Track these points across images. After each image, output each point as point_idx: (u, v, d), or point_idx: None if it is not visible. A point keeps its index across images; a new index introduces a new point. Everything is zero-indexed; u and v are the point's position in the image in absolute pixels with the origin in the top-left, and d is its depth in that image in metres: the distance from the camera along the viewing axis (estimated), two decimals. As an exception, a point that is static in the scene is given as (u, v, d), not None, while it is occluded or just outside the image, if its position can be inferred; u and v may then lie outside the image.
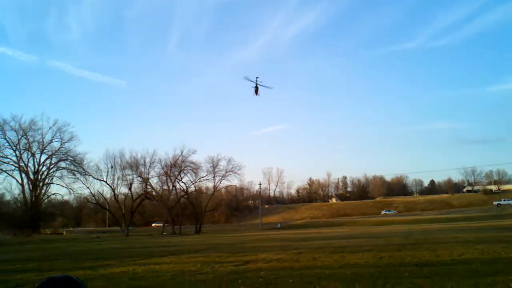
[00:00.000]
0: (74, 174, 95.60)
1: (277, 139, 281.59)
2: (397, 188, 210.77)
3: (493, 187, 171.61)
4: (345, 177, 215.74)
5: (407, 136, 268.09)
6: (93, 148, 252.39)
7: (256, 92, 43.86)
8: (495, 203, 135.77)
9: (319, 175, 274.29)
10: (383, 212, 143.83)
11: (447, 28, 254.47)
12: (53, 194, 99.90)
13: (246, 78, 44.13)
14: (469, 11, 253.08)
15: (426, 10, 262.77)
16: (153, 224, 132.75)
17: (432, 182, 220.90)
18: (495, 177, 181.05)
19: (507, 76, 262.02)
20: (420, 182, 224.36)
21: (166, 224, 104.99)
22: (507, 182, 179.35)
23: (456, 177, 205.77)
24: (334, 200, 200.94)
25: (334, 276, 13.94)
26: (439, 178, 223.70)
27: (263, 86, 44.24)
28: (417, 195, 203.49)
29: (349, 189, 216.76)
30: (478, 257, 18.12)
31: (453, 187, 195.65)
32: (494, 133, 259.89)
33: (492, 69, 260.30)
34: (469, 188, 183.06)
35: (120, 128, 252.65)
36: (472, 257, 18.07)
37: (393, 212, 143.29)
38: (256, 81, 43.58)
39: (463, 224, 69.76)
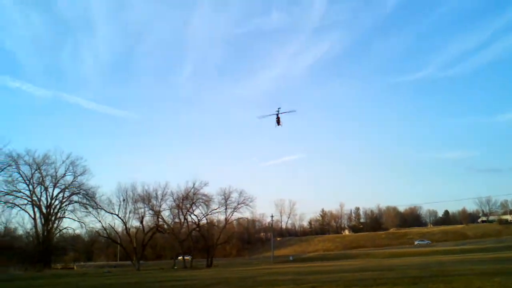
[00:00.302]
0: (86, 208, 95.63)
1: (289, 171, 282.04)
2: (411, 219, 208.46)
3: (509, 217, 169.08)
4: (358, 208, 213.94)
5: (420, 166, 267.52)
6: (105, 181, 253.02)
7: (278, 122, 42.73)
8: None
9: (332, 207, 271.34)
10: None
11: (458, 57, 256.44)
12: (65, 228, 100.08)
13: (260, 117, 43.63)
14: (480, 40, 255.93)
15: (436, 39, 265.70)
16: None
17: (446, 212, 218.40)
18: (511, 207, 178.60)
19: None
20: (434, 213, 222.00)
21: (177, 258, 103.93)
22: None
23: (471, 207, 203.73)
24: (347, 231, 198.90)
25: (348, 312, 13.61)
26: (454, 208, 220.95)
27: (285, 113, 42.86)
28: (431, 225, 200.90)
29: (362, 220, 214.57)
30: (496, 290, 17.68)
31: (468, 217, 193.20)
32: (508, 161, 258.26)
33: (503, 97, 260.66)
34: (484, 218, 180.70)
35: (132, 160, 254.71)
36: (490, 291, 17.63)
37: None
38: (278, 111, 42.34)
39: (479, 256, 68.54)
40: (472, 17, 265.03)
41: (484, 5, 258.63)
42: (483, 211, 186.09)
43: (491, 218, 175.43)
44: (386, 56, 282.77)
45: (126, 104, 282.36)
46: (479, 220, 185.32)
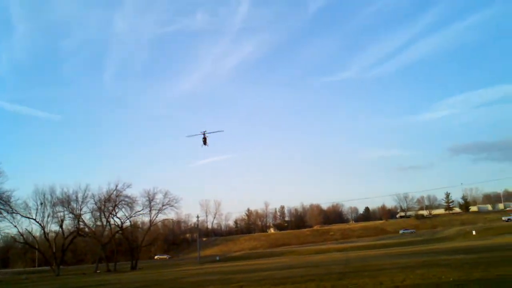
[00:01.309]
0: (0, 213, 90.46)
1: (213, 171, 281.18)
2: (334, 216, 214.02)
3: (425, 212, 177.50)
4: (282, 207, 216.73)
5: (342, 165, 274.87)
6: (21, 184, 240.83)
7: (205, 142, 44.37)
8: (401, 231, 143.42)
9: (257, 206, 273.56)
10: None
11: (380, 59, 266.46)
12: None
13: (189, 136, 45.36)
14: (400, 42, 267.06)
15: (359, 41, 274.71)
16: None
17: (367, 209, 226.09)
18: (426, 203, 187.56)
19: (437, 105, 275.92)
20: (355, 210, 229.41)
21: (100, 262, 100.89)
22: (437, 207, 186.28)
23: (390, 204, 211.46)
24: (272, 230, 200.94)
25: (279, 310, 13.42)
26: (374, 205, 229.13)
27: (212, 133, 44.68)
28: (353, 222, 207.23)
29: (287, 218, 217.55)
30: (420, 282, 18.16)
31: (387, 213, 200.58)
32: (425, 159, 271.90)
33: (422, 98, 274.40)
34: (402, 214, 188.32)
35: (51, 163, 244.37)
36: (415, 283, 18.09)
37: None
38: (204, 133, 44.15)
39: (399, 250, 71.18)
40: (394, 19, 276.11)
41: (407, 6, 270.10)
42: (401, 207, 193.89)
43: (408, 213, 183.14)
44: (310, 58, 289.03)
45: (47, 104, 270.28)
46: (398, 215, 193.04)
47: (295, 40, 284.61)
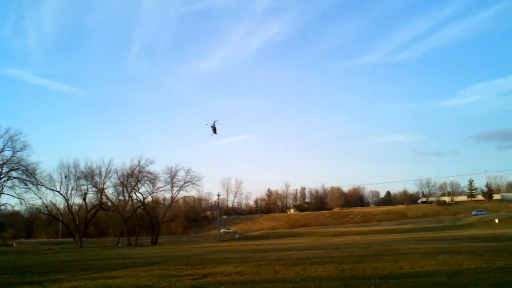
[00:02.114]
0: (26, 184, 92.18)
1: (236, 150, 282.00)
2: (354, 199, 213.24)
3: (447, 199, 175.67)
4: (303, 188, 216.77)
5: (365, 148, 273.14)
6: (47, 157, 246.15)
7: (214, 131, 47.43)
8: None
9: (278, 186, 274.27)
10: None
11: (406, 44, 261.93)
12: (3, 204, 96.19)
13: (207, 124, 47.75)
14: (427, 27, 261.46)
15: (385, 25, 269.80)
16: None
17: (388, 193, 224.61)
18: (449, 189, 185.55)
19: (462, 91, 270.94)
20: (376, 194, 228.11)
21: (121, 236, 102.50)
22: (460, 194, 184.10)
23: (412, 189, 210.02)
24: (292, 211, 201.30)
25: (297, 290, 13.33)
26: (395, 190, 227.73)
27: (219, 124, 48.41)
28: (374, 206, 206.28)
29: (307, 200, 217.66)
30: (441, 269, 17.88)
31: (409, 199, 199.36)
32: (448, 146, 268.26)
33: (448, 84, 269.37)
34: (424, 199, 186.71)
35: (76, 137, 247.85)
36: (435, 269, 17.82)
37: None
38: (214, 123, 47.37)
39: (420, 235, 70.58)
40: (421, 3, 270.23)
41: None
42: (423, 192, 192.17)
43: (430, 199, 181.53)
44: (333, 41, 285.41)
45: (72, 79, 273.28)
46: (419, 201, 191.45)
47: (320, 22, 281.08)
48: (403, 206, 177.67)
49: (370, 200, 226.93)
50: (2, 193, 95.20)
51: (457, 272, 16.53)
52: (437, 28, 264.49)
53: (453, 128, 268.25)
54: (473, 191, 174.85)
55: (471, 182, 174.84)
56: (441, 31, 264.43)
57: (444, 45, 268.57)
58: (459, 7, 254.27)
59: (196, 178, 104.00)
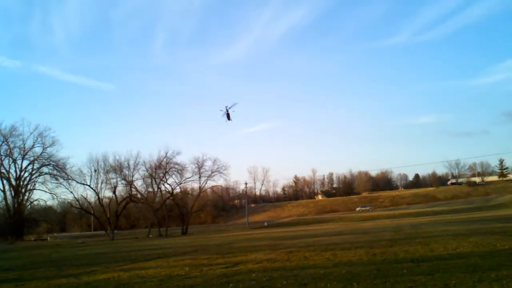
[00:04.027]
0: (57, 179, 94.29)
1: (262, 138, 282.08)
2: (382, 183, 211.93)
3: (477, 179, 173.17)
4: (331, 174, 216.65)
5: (391, 131, 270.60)
6: (76, 152, 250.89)
7: (228, 117, 45.78)
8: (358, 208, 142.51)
9: (305, 173, 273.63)
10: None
11: (432, 23, 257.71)
12: (36, 200, 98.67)
13: (221, 110, 46.45)
14: (453, 6, 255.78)
15: (410, 5, 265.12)
16: (358, 208, 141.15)
17: (416, 176, 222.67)
18: (479, 169, 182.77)
19: (490, 69, 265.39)
20: (404, 177, 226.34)
21: (152, 227, 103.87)
22: (490, 174, 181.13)
23: (440, 171, 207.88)
24: (320, 197, 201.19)
25: (329, 276, 13.31)
26: (424, 172, 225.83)
27: (232, 107, 46.27)
28: (402, 189, 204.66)
29: (334, 185, 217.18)
30: (474, 250, 17.66)
31: (438, 181, 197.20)
32: (477, 126, 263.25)
33: (476, 62, 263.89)
34: (453, 181, 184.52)
35: (103, 131, 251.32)
36: (468, 251, 17.61)
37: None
38: (226, 109, 45.70)
39: (450, 217, 69.88)
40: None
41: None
42: (452, 174, 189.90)
43: (460, 180, 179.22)
44: (360, 23, 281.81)
45: (98, 74, 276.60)
46: (449, 182, 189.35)
47: (345, 4, 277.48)
48: (432, 188, 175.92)
49: (399, 184, 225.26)
50: (34, 189, 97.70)
51: (491, 253, 16.30)
52: (463, 6, 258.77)
53: (482, 107, 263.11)
54: (504, 171, 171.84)
55: (501, 161, 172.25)
56: (467, 9, 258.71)
57: (470, 23, 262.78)
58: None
59: (223, 168, 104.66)
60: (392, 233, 34.91)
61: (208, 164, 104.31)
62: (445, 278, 11.56)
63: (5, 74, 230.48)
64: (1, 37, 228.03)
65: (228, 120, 45.90)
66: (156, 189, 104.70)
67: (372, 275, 12.89)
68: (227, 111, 45.70)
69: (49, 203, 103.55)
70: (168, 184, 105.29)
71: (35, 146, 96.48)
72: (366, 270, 14.04)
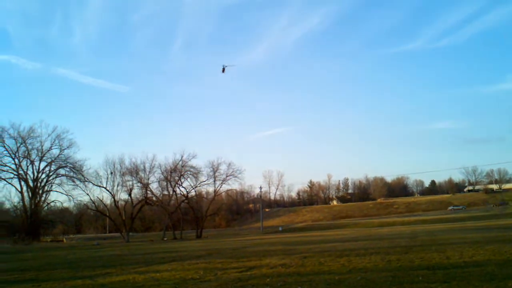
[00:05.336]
0: (73, 181, 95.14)
1: (277, 142, 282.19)
2: (398, 189, 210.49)
3: (494, 186, 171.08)
4: (346, 179, 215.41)
5: (407, 137, 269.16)
6: (92, 154, 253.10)
7: (223, 71, 69.36)
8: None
9: (320, 178, 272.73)
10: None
11: (449, 29, 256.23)
12: (53, 201, 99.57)
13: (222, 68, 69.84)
14: (471, 11, 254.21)
15: (427, 11, 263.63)
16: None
17: (433, 182, 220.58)
18: (496, 176, 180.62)
19: (507, 76, 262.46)
20: (421, 183, 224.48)
21: (167, 230, 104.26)
22: (508, 181, 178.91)
23: (457, 177, 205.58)
24: (335, 202, 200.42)
25: (344, 282, 13.28)
26: (440, 178, 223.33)
27: (230, 66, 71.08)
28: (418, 195, 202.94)
29: (350, 191, 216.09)
30: (491, 258, 17.47)
31: (454, 187, 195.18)
32: (494, 132, 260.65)
33: (492, 69, 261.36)
34: (470, 187, 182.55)
35: (120, 134, 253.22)
36: (485, 259, 17.42)
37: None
38: (223, 66, 69.29)
39: (467, 224, 69.13)
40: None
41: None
42: (469, 180, 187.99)
43: (477, 187, 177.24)
44: (375, 29, 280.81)
45: (115, 76, 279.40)
46: (465, 189, 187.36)
47: (361, 10, 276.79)
48: (448, 195, 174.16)
49: (414, 190, 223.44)
50: (51, 191, 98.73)
51: (508, 262, 16.13)
52: (481, 12, 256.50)
53: (500, 114, 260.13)
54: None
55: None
56: (485, 15, 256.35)
57: (487, 28, 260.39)
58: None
59: (238, 171, 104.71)
60: (407, 239, 34.68)
61: (223, 167, 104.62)
62: (461, 286, 11.48)
63: (25, 76, 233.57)
64: (23, 40, 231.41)
65: (222, 72, 68.69)
66: (171, 192, 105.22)
67: (387, 282, 12.84)
68: (224, 68, 68.33)
69: (65, 204, 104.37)
70: (183, 187, 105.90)
71: (52, 148, 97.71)
72: (381, 276, 13.98)
